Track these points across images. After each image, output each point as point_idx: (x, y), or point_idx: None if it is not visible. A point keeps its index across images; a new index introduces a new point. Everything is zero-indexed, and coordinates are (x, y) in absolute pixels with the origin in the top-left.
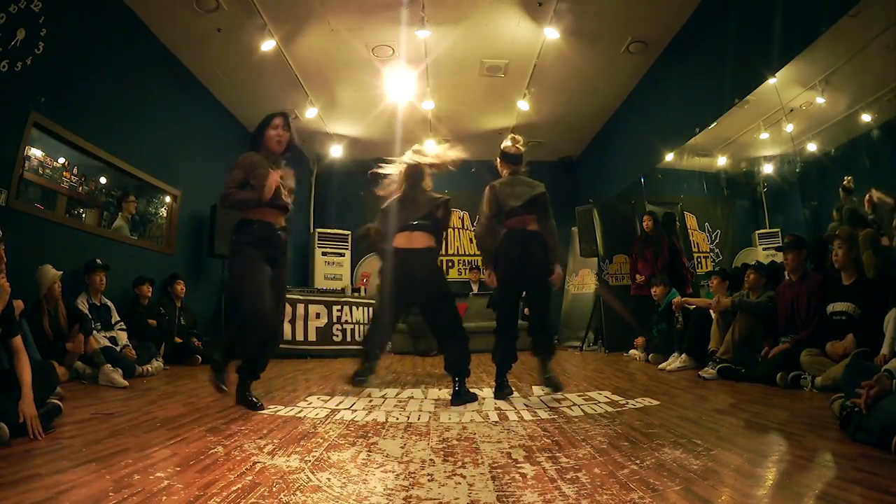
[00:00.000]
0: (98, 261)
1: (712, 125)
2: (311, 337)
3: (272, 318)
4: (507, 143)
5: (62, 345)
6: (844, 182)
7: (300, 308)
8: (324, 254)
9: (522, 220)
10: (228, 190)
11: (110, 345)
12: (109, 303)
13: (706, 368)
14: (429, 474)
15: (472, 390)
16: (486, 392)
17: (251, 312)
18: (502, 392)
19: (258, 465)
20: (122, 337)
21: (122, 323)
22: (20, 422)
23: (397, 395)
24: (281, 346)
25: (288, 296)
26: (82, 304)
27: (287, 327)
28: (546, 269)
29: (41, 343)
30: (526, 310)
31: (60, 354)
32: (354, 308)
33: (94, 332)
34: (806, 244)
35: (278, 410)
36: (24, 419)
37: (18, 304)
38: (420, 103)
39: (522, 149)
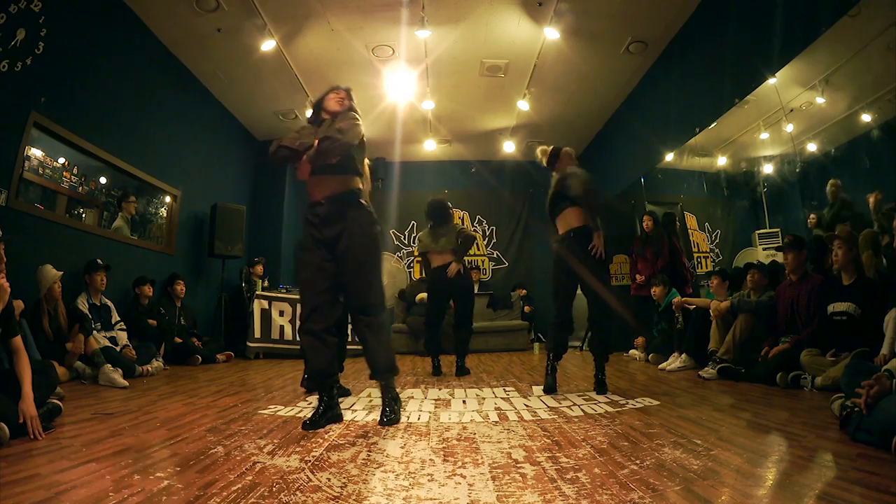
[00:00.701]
0: (99, 261)
1: (712, 125)
2: None
3: (321, 329)
4: (539, 150)
5: (62, 345)
6: (829, 186)
7: (300, 308)
8: None
9: (566, 220)
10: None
11: (110, 345)
12: (109, 303)
13: (706, 368)
14: (429, 474)
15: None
16: (486, 392)
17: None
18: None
19: (258, 465)
20: (122, 337)
21: (122, 323)
22: (20, 422)
23: None
24: (281, 346)
25: (287, 296)
26: (82, 304)
27: (287, 327)
28: (596, 265)
29: (41, 343)
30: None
31: (60, 354)
32: None
33: (94, 332)
34: (806, 244)
35: (278, 410)
36: (25, 419)
37: (18, 304)
38: (420, 103)
39: (548, 149)
